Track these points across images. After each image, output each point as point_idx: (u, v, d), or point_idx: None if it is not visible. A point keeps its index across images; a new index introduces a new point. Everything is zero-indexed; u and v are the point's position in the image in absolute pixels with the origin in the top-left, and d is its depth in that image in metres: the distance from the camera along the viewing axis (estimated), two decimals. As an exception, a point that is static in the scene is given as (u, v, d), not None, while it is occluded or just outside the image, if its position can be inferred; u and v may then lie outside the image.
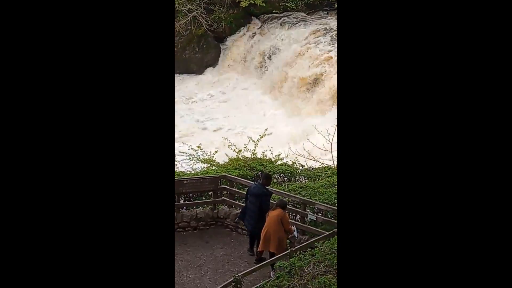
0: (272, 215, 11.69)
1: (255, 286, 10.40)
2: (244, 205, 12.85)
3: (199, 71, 32.57)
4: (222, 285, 10.24)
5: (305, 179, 15.45)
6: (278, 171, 15.50)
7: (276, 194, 13.46)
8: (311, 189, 13.78)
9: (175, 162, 14.54)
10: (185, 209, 14.09)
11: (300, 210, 13.12)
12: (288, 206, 12.53)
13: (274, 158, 16.82)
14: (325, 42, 28.26)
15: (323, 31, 29.18)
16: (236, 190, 14.25)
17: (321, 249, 10.64)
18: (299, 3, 32.22)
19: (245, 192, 13.03)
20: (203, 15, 31.91)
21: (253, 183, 13.04)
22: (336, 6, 17.74)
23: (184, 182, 13.82)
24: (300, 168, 16.28)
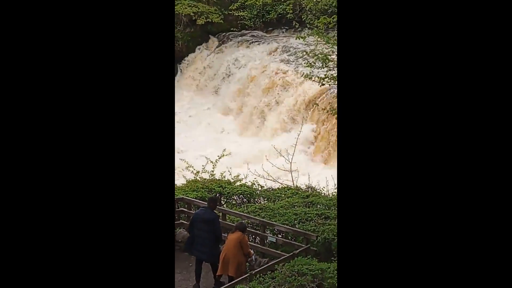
0: (231, 238, 11.53)
1: (213, 312, 10.30)
2: (189, 234, 12.30)
3: (156, 90, 32.46)
4: (180, 311, 10.03)
5: (264, 200, 15.39)
6: (237, 193, 15.37)
7: (235, 216, 13.37)
8: (271, 210, 13.70)
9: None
10: (141, 233, 13.76)
11: (259, 232, 13.03)
12: (247, 228, 12.37)
13: (233, 179, 16.68)
14: (283, 60, 28.35)
15: (282, 49, 29.30)
16: (194, 213, 13.88)
17: (281, 271, 10.64)
18: (257, 22, 32.33)
19: None
20: (160, 34, 31.85)
21: (197, 211, 12.54)
22: (294, 24, 17.76)
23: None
24: (260, 189, 16.21)
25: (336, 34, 15.23)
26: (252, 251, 11.97)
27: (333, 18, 13.65)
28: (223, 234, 12.10)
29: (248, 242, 12.04)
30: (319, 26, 13.77)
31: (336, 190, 15.91)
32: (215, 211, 12.14)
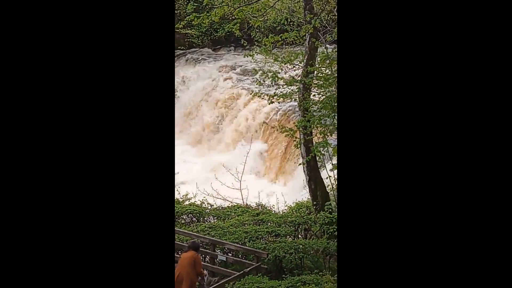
0: (185, 257, 11.34)
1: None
2: None
3: (104, 109, 31.87)
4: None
5: (214, 219, 15.17)
6: (186, 212, 15.12)
7: (184, 235, 13.18)
8: (221, 229, 13.56)
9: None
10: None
11: (209, 251, 12.89)
12: None
13: (181, 198, 16.46)
14: (232, 78, 28.23)
15: (231, 67, 29.18)
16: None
17: None
18: (205, 40, 32.18)
19: None
20: (107, 53, 31.34)
21: None
22: (242, 42, 17.66)
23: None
24: (209, 207, 16.00)
25: (283, 52, 15.29)
26: (205, 271, 11.83)
27: (280, 36, 13.68)
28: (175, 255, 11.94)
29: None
30: (267, 44, 13.79)
31: (285, 208, 15.91)
32: None
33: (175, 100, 29.67)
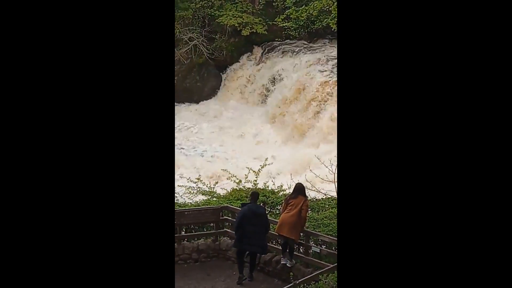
0: (297, 202, 12.07)
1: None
2: (238, 231, 12.31)
3: (200, 100, 32.31)
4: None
5: (308, 211, 14.94)
6: (281, 202, 15.03)
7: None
8: (315, 221, 13.47)
9: (175, 194, 14.22)
10: (186, 241, 13.81)
11: (303, 242, 12.85)
12: None
13: (276, 189, 16.41)
14: (327, 70, 28.04)
15: (326, 59, 28.97)
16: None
17: (325, 282, 10.39)
18: (301, 32, 32.14)
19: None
20: (204, 44, 31.84)
21: (245, 207, 12.53)
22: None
23: (185, 213, 13.55)
24: (303, 199, 15.93)
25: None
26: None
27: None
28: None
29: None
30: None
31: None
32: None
33: (272, 89, 29.71)
